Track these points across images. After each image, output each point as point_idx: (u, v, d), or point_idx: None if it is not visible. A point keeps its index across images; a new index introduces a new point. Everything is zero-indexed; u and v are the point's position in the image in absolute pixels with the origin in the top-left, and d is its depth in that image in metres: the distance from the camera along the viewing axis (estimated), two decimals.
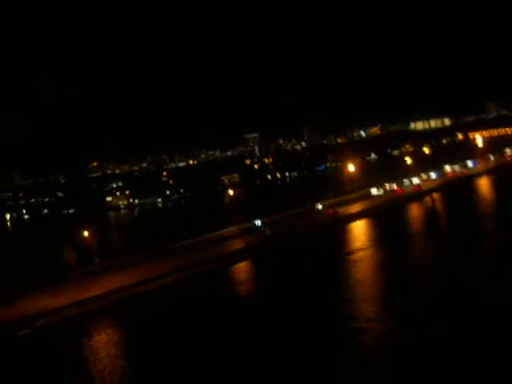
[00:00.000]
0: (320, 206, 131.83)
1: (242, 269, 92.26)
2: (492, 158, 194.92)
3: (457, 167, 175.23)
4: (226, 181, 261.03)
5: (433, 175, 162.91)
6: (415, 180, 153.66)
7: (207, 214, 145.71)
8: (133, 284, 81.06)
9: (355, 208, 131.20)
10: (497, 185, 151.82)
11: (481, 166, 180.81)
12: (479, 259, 77.13)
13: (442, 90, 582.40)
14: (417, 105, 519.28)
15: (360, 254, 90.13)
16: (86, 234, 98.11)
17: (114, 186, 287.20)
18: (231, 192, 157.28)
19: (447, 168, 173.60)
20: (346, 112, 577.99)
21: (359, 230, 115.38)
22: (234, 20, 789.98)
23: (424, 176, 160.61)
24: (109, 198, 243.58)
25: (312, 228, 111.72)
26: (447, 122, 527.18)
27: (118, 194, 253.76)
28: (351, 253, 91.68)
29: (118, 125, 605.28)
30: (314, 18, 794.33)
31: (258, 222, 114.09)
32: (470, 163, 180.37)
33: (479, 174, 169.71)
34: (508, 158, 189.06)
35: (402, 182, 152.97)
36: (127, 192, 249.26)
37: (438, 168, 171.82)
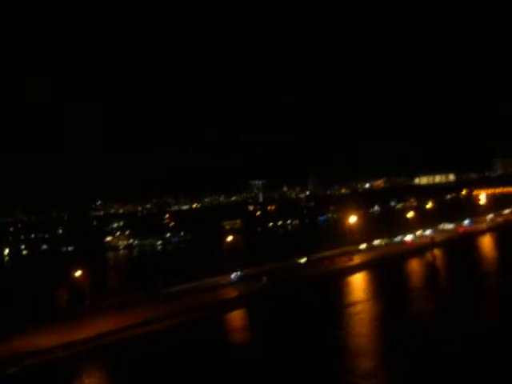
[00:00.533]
0: (319, 256, 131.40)
1: (236, 317, 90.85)
2: (490, 217, 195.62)
3: (452, 226, 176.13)
4: (228, 226, 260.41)
5: (427, 232, 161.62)
6: (408, 237, 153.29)
7: (205, 259, 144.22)
8: (124, 328, 79.47)
9: (355, 260, 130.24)
10: (492, 244, 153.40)
11: (478, 225, 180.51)
12: (478, 315, 76.38)
13: (448, 145, 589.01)
14: (422, 159, 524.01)
15: (359, 307, 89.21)
16: (79, 274, 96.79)
17: (115, 225, 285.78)
18: (230, 238, 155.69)
19: (444, 226, 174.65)
20: (351, 163, 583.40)
21: (358, 282, 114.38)
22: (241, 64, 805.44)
23: (418, 233, 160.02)
24: (108, 238, 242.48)
25: (310, 279, 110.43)
26: (452, 177, 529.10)
27: (117, 233, 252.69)
28: (350, 305, 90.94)
29: (127, 165, 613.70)
30: (320, 76, 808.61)
31: (237, 275, 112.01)
32: (466, 221, 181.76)
33: (476, 234, 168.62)
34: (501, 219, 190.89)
35: (392, 239, 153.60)
36: (127, 232, 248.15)
37: (436, 225, 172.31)
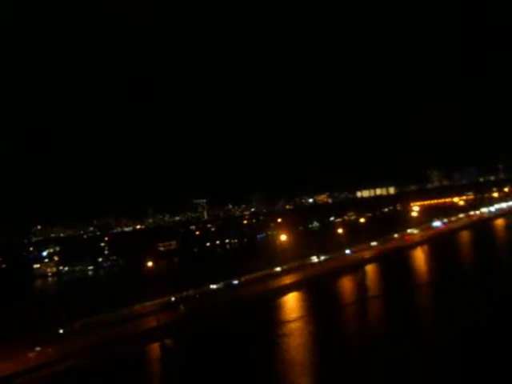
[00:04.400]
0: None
1: (153, 351, 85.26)
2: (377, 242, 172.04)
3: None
4: (162, 248, 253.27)
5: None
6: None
7: (130, 285, 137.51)
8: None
9: (284, 281, 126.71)
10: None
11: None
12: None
13: (388, 158, 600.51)
14: (364, 173, 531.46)
15: (290, 328, 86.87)
16: None
17: (47, 251, 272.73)
18: (150, 263, 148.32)
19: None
20: (295, 179, 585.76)
21: (289, 303, 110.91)
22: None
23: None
24: (36, 265, 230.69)
25: (235, 304, 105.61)
26: (392, 190, 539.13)
27: (46, 260, 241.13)
28: (272, 331, 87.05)
29: (66, 186, 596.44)
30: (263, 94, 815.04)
31: None
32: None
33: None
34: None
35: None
36: (56, 258, 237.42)
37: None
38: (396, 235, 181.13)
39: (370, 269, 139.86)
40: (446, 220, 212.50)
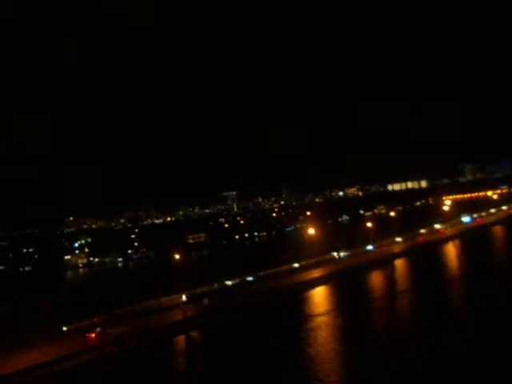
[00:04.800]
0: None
1: (179, 343, 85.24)
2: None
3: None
4: (191, 240, 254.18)
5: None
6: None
7: (158, 278, 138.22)
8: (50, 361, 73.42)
9: (312, 274, 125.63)
10: None
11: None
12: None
13: (420, 151, 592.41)
14: (395, 167, 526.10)
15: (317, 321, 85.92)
16: None
17: (79, 242, 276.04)
18: (178, 256, 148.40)
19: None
20: (325, 172, 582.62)
21: (317, 296, 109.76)
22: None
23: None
24: (68, 257, 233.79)
25: (261, 297, 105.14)
26: (424, 183, 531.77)
27: (77, 251, 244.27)
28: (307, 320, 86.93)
29: (100, 179, 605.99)
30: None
31: None
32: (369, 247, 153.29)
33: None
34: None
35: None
36: (86, 250, 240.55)
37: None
38: (425, 230, 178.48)
39: (399, 263, 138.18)
40: (477, 215, 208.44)
